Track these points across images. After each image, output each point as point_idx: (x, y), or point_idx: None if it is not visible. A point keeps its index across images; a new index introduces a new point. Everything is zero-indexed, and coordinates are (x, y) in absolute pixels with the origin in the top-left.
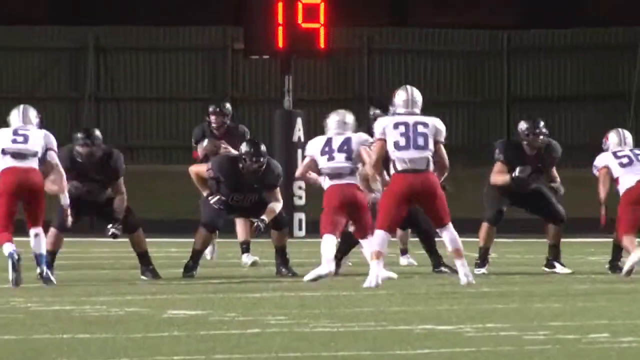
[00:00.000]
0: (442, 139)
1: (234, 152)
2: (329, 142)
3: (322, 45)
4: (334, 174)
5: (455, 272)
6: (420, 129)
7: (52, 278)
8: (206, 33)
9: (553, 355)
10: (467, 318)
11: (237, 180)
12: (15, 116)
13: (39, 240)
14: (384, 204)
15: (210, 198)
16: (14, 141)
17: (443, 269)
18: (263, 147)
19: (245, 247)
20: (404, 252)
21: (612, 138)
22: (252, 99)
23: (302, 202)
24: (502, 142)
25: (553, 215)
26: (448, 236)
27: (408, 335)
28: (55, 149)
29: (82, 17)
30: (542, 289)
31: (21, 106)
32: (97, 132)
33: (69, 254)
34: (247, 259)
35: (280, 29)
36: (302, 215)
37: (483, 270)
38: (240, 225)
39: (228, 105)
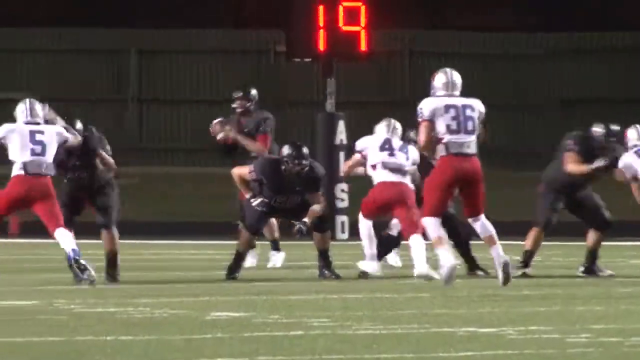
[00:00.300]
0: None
1: (236, 136)
2: (388, 141)
3: (363, 48)
4: (393, 169)
5: (487, 274)
6: (469, 112)
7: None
8: (249, 36)
9: (595, 359)
10: (509, 321)
11: (280, 182)
12: (21, 111)
13: (67, 237)
14: (432, 189)
15: (252, 200)
16: (32, 152)
17: (478, 272)
18: (305, 150)
19: (274, 245)
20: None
21: (631, 134)
22: (295, 102)
23: (345, 204)
24: (576, 134)
25: (599, 222)
26: (482, 225)
27: (451, 338)
28: (67, 137)
29: (124, 19)
30: (585, 292)
31: (27, 100)
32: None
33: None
34: (275, 257)
35: (321, 32)
36: (345, 218)
37: (525, 271)
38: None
39: (254, 91)
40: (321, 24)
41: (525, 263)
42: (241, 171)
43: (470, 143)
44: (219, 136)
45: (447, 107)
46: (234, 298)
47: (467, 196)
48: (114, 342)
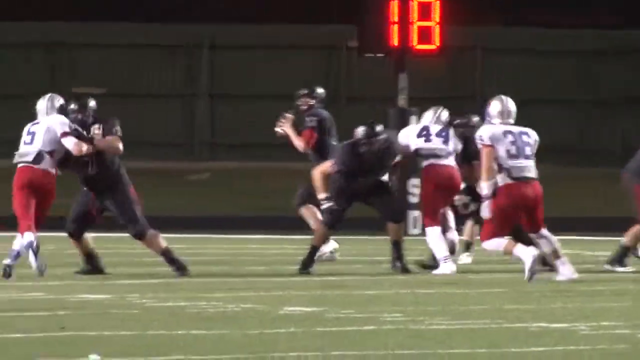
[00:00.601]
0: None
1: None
2: (426, 128)
3: (436, 43)
4: (428, 155)
5: (550, 269)
6: (525, 138)
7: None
8: (320, 31)
9: None
10: (581, 316)
11: (359, 165)
12: (41, 106)
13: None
14: (495, 217)
15: (323, 203)
16: (24, 142)
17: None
18: (379, 127)
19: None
20: (468, 246)
21: None
22: (366, 97)
23: (417, 199)
24: None
25: None
26: (547, 239)
27: (522, 333)
28: (64, 130)
29: (197, 14)
30: None
31: (47, 96)
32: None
33: (184, 250)
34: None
35: (394, 27)
36: (417, 213)
37: (627, 268)
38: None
39: (320, 90)
40: (394, 19)
41: (621, 259)
42: (323, 168)
43: (531, 167)
44: (278, 130)
45: (505, 133)
46: (307, 293)
47: (530, 217)
48: (186, 336)
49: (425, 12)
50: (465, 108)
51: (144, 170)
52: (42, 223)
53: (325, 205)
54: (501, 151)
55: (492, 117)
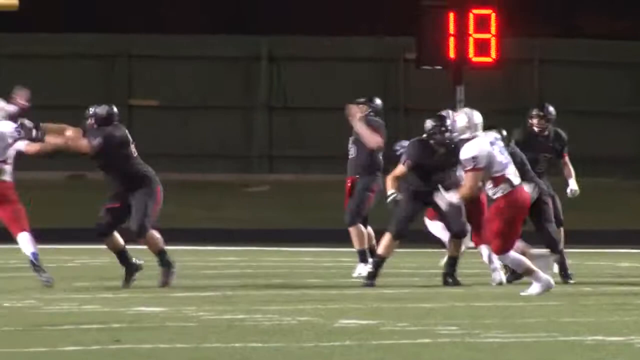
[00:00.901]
0: None
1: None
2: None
3: (493, 55)
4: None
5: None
6: (500, 143)
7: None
8: (378, 43)
9: None
10: (637, 329)
11: (429, 158)
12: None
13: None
14: (504, 228)
15: (388, 197)
16: None
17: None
18: (449, 120)
19: (362, 257)
20: None
21: None
22: (424, 109)
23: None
24: None
25: None
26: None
27: (578, 346)
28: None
29: (254, 26)
30: None
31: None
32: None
33: (239, 263)
34: (363, 269)
35: (451, 39)
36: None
37: None
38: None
39: (378, 101)
40: (451, 31)
41: None
42: (395, 171)
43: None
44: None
45: (491, 144)
46: (362, 305)
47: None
48: (243, 349)
49: (481, 24)
50: (521, 119)
51: (203, 182)
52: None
53: (389, 199)
54: (496, 166)
55: (459, 131)
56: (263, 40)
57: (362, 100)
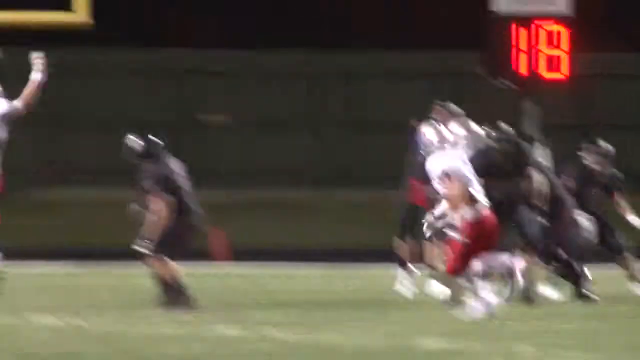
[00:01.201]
0: None
1: None
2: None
3: (564, 71)
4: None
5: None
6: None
7: None
8: (448, 58)
9: None
10: None
11: (489, 165)
12: None
13: None
14: (470, 246)
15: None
16: None
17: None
18: (506, 126)
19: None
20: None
21: None
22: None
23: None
24: None
25: None
26: None
27: None
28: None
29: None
30: None
31: None
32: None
33: (312, 284)
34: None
35: (522, 55)
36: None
37: None
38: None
39: (453, 107)
40: (522, 47)
41: None
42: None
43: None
44: None
45: (463, 163)
46: (437, 327)
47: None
48: None
49: (552, 40)
50: (591, 135)
51: (274, 200)
52: None
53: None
54: (470, 182)
55: (428, 146)
56: (337, 58)
57: (441, 103)
